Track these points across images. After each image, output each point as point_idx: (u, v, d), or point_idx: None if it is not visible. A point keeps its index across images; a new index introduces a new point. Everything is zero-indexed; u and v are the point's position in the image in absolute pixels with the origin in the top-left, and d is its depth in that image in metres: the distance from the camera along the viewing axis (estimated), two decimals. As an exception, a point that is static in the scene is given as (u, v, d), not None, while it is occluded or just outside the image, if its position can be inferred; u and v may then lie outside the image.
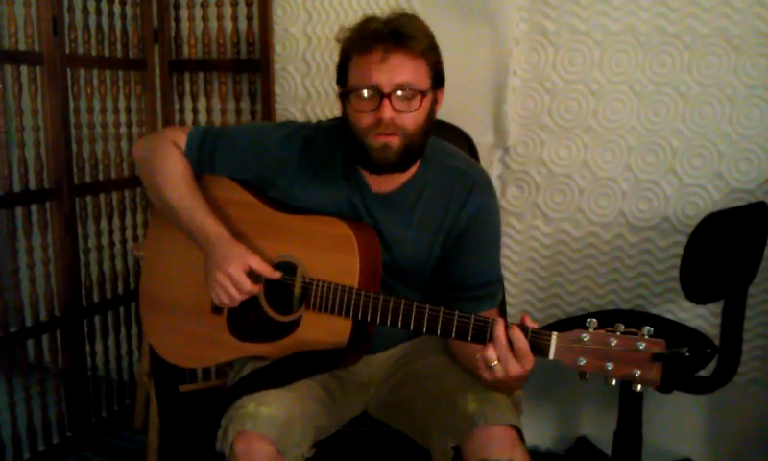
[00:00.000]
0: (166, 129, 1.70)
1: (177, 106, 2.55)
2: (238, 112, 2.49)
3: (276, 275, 1.39)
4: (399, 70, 1.29)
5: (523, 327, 1.19)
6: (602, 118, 2.07)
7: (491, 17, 2.09)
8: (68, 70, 2.24)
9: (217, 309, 1.47)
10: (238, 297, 1.37)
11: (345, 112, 1.38)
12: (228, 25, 2.44)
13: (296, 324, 1.40)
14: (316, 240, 1.39)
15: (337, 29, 2.24)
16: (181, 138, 1.51)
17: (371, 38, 1.29)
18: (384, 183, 1.43)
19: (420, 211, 1.43)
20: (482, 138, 2.09)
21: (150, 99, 2.54)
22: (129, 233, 2.55)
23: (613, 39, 2.02)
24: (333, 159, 1.45)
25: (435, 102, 1.38)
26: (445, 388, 1.36)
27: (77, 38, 2.27)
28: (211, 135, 1.52)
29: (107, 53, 2.39)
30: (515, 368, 1.18)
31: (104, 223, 2.46)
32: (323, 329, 1.37)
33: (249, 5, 2.37)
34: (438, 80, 1.37)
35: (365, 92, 1.30)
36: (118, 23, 2.42)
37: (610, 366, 1.14)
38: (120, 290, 2.52)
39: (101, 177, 2.41)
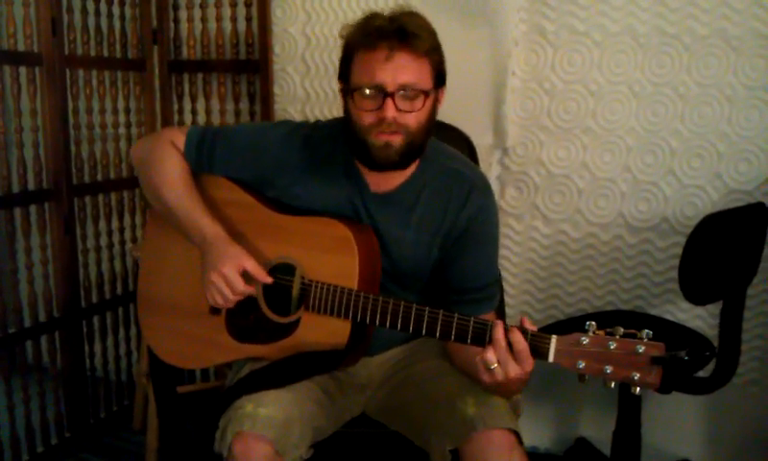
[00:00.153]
0: (165, 129, 1.70)
1: (176, 106, 2.55)
2: (237, 113, 2.49)
3: (269, 279, 1.39)
4: (403, 70, 1.29)
5: (523, 330, 1.19)
6: (601, 119, 2.07)
7: (490, 18, 2.09)
8: (67, 71, 2.24)
9: (215, 310, 1.47)
10: (232, 297, 1.37)
11: (346, 108, 1.38)
12: (227, 26, 2.44)
13: (294, 325, 1.40)
14: (315, 241, 1.39)
15: (336, 29, 2.26)
16: (180, 139, 1.51)
17: (375, 35, 1.29)
18: (383, 183, 1.43)
19: (418, 212, 1.43)
20: (481, 139, 2.09)
21: (149, 100, 2.53)
22: (127, 234, 2.55)
23: (613, 40, 2.02)
24: (334, 158, 1.45)
25: (437, 101, 1.38)
26: (444, 391, 1.36)
27: (76, 39, 2.27)
28: (210, 136, 1.51)
29: (106, 53, 2.39)
30: (514, 370, 1.18)
31: (102, 223, 2.46)
32: (321, 331, 1.37)
33: (248, 6, 2.37)
34: (440, 79, 1.36)
35: (368, 91, 1.30)
36: (117, 24, 2.42)
37: (609, 369, 1.14)
38: (119, 291, 2.52)
39: (100, 177, 2.41)
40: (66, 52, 2.22)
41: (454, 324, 1.26)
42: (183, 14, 2.48)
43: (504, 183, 2.21)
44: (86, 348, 2.41)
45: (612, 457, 1.98)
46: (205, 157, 1.50)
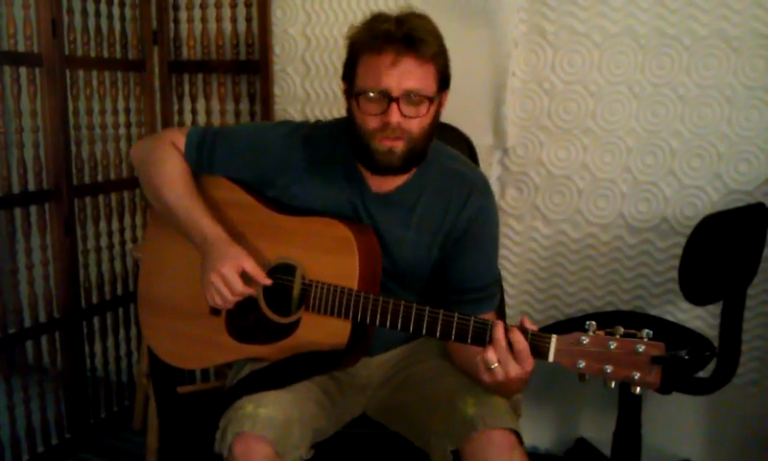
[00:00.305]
0: (165, 130, 1.70)
1: (176, 107, 2.55)
2: (237, 114, 2.49)
3: (267, 281, 1.39)
4: (409, 75, 1.28)
5: (523, 330, 1.19)
6: (601, 120, 2.07)
7: (490, 19, 2.09)
8: (67, 71, 2.24)
9: (216, 311, 1.46)
10: (230, 298, 1.37)
11: (350, 110, 1.38)
12: (228, 26, 2.44)
13: (295, 325, 1.40)
14: (315, 242, 1.39)
15: (336, 30, 2.28)
16: (180, 139, 1.51)
17: (382, 39, 1.28)
18: (384, 184, 1.43)
19: (419, 212, 1.43)
20: (481, 140, 2.09)
21: (149, 100, 2.54)
22: (128, 235, 2.55)
23: (612, 41, 2.02)
24: (334, 158, 1.45)
25: (440, 105, 1.38)
26: (444, 392, 1.36)
27: (76, 40, 2.27)
28: (210, 136, 1.51)
29: (106, 54, 2.39)
30: (515, 370, 1.18)
31: (103, 224, 2.47)
32: (322, 331, 1.37)
33: (248, 6, 2.37)
34: (444, 82, 1.36)
35: (372, 95, 1.30)
36: (117, 25, 2.42)
37: (609, 369, 1.14)
38: (119, 291, 2.52)
39: (100, 178, 2.41)
40: (66, 53, 2.22)
41: (454, 323, 1.26)
42: (183, 15, 2.48)
43: (504, 184, 2.21)
44: (87, 348, 2.41)
45: (613, 458, 1.98)
46: (206, 157, 1.50)
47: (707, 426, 2.17)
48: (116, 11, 2.41)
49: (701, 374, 1.76)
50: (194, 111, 2.55)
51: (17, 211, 2.17)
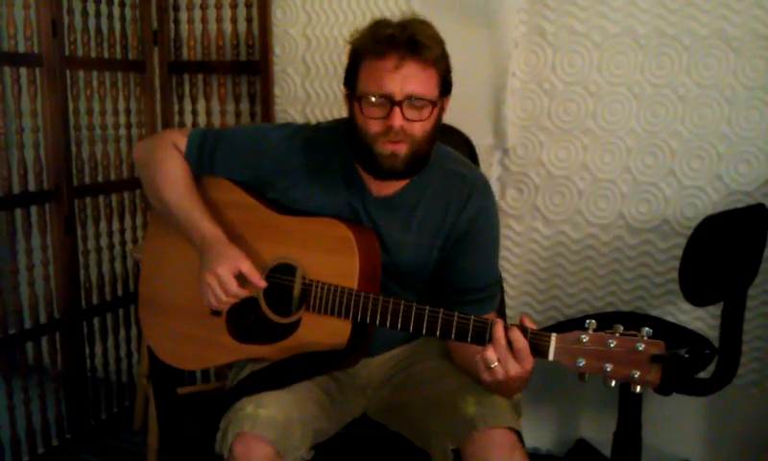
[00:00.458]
0: (166, 131, 1.71)
1: (176, 107, 2.56)
2: (237, 114, 2.49)
3: (263, 284, 1.38)
4: (412, 79, 1.28)
5: (523, 328, 1.19)
6: (601, 120, 2.07)
7: (490, 19, 2.09)
8: (68, 72, 2.24)
9: (216, 311, 1.46)
10: (224, 299, 1.36)
11: (352, 115, 1.37)
12: (228, 27, 2.44)
13: (295, 325, 1.40)
14: (316, 242, 1.39)
15: (336, 31, 2.28)
16: (181, 140, 1.51)
17: (385, 44, 1.28)
18: (384, 187, 1.43)
19: (419, 215, 1.43)
20: (481, 140, 2.09)
21: (149, 101, 2.54)
22: (128, 235, 2.55)
23: (612, 41, 2.02)
24: (334, 161, 1.45)
25: (442, 109, 1.38)
26: (445, 391, 1.36)
27: (76, 40, 2.28)
28: (211, 137, 1.52)
29: (106, 55, 2.39)
30: (514, 369, 1.18)
31: (103, 224, 2.47)
32: (322, 331, 1.37)
33: (248, 7, 2.38)
34: (446, 87, 1.37)
35: (375, 99, 1.30)
36: (117, 25, 2.42)
37: (609, 367, 1.14)
38: (119, 292, 2.52)
39: (100, 178, 2.41)
40: (67, 53, 2.23)
41: (454, 322, 1.26)
42: (184, 15, 2.48)
43: (504, 184, 2.21)
44: (87, 349, 2.41)
45: (613, 458, 1.98)
46: (206, 158, 1.50)
47: (707, 427, 2.17)
48: (116, 11, 2.41)
49: (701, 374, 1.76)
50: (194, 112, 2.55)
51: (18, 212, 2.17)
